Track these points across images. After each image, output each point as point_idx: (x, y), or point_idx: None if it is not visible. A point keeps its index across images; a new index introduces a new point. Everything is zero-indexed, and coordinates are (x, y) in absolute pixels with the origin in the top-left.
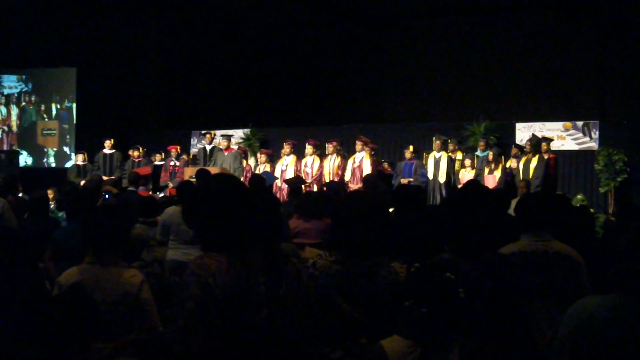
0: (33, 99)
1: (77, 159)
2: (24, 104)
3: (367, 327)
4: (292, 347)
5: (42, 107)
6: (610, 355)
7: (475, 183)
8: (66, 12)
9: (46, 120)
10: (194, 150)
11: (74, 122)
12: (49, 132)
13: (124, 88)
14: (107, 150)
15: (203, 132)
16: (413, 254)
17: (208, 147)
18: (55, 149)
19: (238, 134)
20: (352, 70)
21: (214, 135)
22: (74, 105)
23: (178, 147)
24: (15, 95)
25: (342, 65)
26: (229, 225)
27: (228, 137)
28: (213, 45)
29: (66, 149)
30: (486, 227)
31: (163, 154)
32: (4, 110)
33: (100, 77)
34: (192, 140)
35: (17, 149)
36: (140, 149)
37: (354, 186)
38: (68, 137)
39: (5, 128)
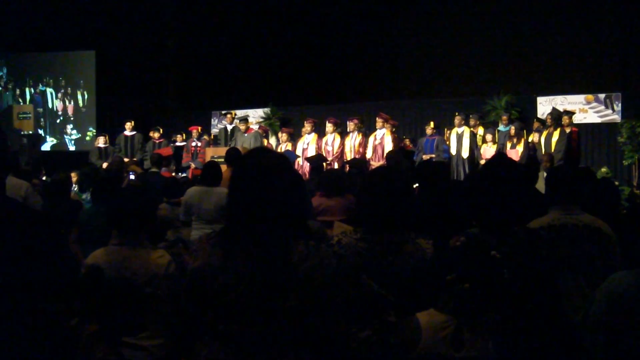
0: (10, 85)
1: (98, 142)
2: None
3: (395, 304)
4: (321, 328)
5: (17, 92)
6: None
7: (503, 156)
8: None
9: (21, 104)
10: (214, 131)
11: (48, 105)
12: (24, 115)
13: (143, 69)
14: (127, 132)
15: (224, 112)
16: (438, 230)
17: (229, 127)
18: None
19: (258, 113)
20: (371, 46)
21: (235, 115)
22: (82, 93)
23: (199, 128)
24: None
25: (361, 41)
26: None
27: (245, 120)
28: (232, 24)
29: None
30: (515, 200)
31: (184, 134)
32: None
33: (120, 59)
34: (212, 120)
35: (40, 133)
36: (161, 130)
37: (375, 163)
38: (42, 120)
39: None
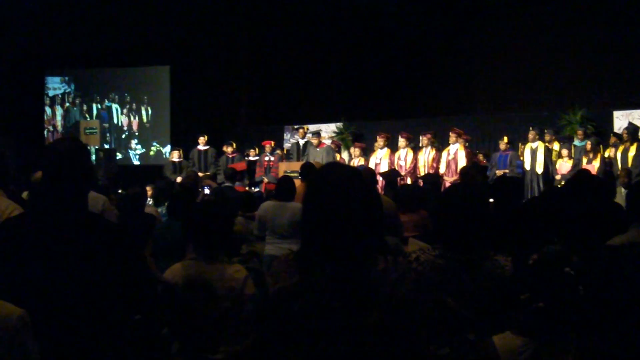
0: (76, 99)
1: (172, 156)
2: (67, 104)
3: (474, 323)
4: (402, 346)
5: (85, 107)
6: None
7: (586, 172)
8: (159, 11)
9: (88, 119)
10: (287, 145)
11: (114, 121)
12: (91, 131)
13: (216, 84)
14: (201, 147)
15: (296, 126)
16: (516, 247)
17: (301, 142)
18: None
19: (331, 128)
20: (445, 61)
21: (307, 129)
22: (145, 108)
23: (272, 143)
24: (60, 96)
25: (434, 56)
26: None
27: (317, 134)
28: (305, 39)
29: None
30: (598, 217)
31: (257, 149)
32: (49, 110)
33: (193, 74)
34: (285, 135)
35: (115, 148)
36: (234, 144)
37: (449, 179)
38: (108, 135)
39: (51, 128)
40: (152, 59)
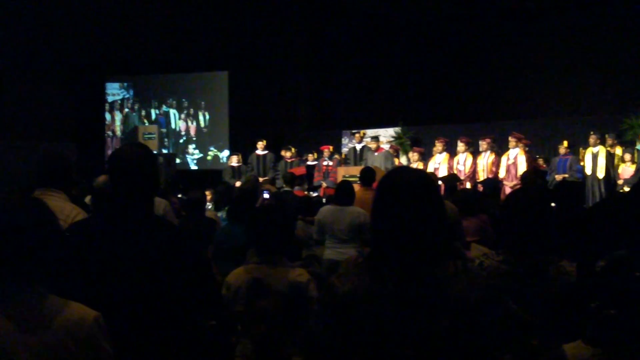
0: (136, 106)
1: (231, 161)
2: (126, 110)
3: (538, 329)
4: (469, 352)
5: (143, 113)
6: None
7: None
8: (218, 17)
9: (146, 124)
10: (344, 150)
11: (171, 126)
12: (149, 136)
13: (275, 89)
14: (260, 152)
15: (353, 131)
16: (581, 253)
17: (358, 147)
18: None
19: (389, 133)
20: (504, 65)
21: (363, 134)
22: (203, 113)
23: (330, 147)
24: (119, 102)
25: (492, 60)
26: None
27: (376, 138)
28: (363, 43)
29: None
30: None
31: (315, 154)
32: (108, 116)
33: (252, 79)
34: (343, 139)
35: (174, 152)
36: (293, 149)
37: (508, 183)
38: (166, 140)
39: (110, 133)
40: (210, 64)
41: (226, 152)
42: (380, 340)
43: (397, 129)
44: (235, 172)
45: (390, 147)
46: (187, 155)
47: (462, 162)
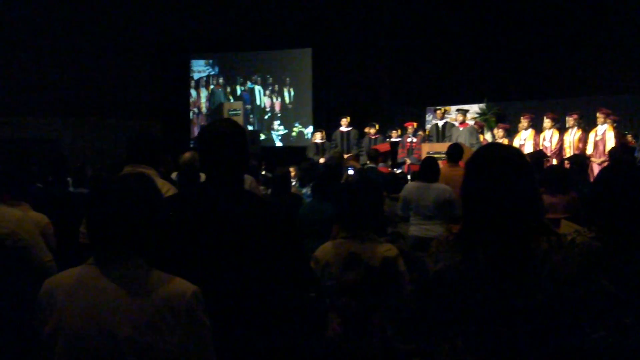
0: (220, 80)
1: (315, 137)
2: (212, 87)
3: (631, 307)
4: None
5: (228, 89)
6: None
7: None
8: None
9: (232, 101)
10: (427, 127)
11: (256, 102)
12: (234, 112)
13: (358, 65)
14: (343, 128)
15: (435, 108)
16: None
17: (440, 123)
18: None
19: (473, 109)
20: (590, 39)
21: (445, 111)
22: (288, 90)
23: (414, 124)
24: (204, 79)
25: (579, 34)
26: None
27: (464, 112)
28: (446, 19)
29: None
30: None
31: (399, 130)
32: (194, 93)
33: (335, 55)
34: (427, 116)
35: (258, 129)
36: (377, 126)
37: (596, 160)
38: (251, 117)
39: (196, 110)
40: (294, 41)
41: (310, 129)
42: (474, 317)
43: (482, 105)
44: (319, 149)
45: (475, 123)
46: (272, 132)
47: (549, 138)
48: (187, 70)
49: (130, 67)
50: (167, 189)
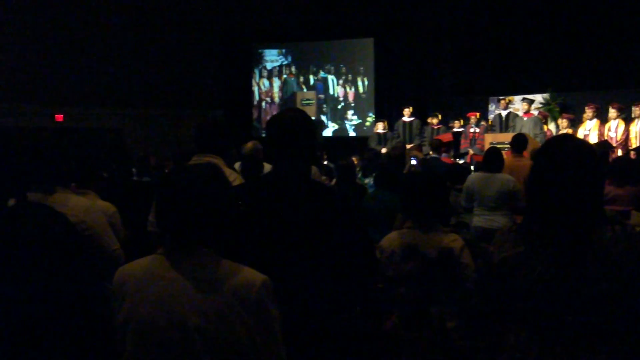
0: (293, 70)
1: (377, 127)
2: (285, 76)
3: None
4: (628, 316)
5: (301, 79)
6: None
7: None
8: None
9: (304, 90)
10: (490, 117)
11: (329, 92)
12: (307, 102)
13: (420, 55)
14: (406, 118)
15: (499, 98)
16: None
17: (503, 114)
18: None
19: (537, 99)
20: None
21: (508, 101)
22: (362, 79)
23: (477, 114)
24: (277, 68)
25: None
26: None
27: (530, 101)
28: (509, 8)
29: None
30: None
31: (462, 120)
32: (266, 83)
33: (397, 45)
34: (490, 106)
35: (322, 120)
36: (439, 116)
37: None
38: (324, 106)
39: (268, 99)
40: (355, 31)
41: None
42: (538, 306)
43: (546, 95)
44: (381, 139)
45: (539, 113)
46: (345, 122)
47: (614, 129)
48: (250, 60)
49: (195, 57)
50: (234, 177)
